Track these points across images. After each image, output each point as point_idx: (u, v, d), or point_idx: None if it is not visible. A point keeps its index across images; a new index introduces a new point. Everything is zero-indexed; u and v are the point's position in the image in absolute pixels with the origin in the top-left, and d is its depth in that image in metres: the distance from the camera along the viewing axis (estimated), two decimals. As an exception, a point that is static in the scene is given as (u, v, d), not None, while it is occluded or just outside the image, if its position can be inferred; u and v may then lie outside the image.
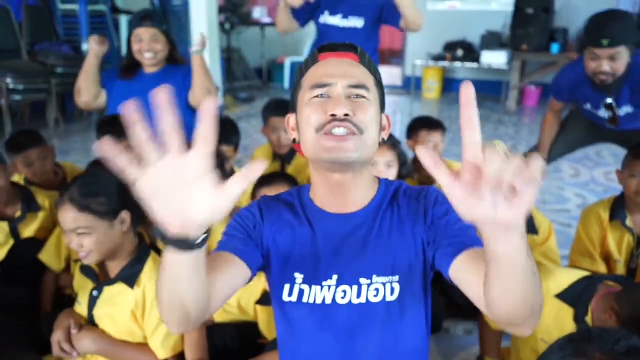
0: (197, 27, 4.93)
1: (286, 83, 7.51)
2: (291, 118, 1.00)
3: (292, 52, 7.65)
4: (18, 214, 1.91)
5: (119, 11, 5.71)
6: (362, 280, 0.95)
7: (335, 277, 0.96)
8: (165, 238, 0.67)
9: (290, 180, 1.75)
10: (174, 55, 2.50)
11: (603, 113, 2.25)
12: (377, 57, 2.83)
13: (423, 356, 1.02)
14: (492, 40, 6.19)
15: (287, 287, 0.98)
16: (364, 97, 0.92)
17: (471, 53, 6.34)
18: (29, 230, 1.94)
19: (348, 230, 0.97)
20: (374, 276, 0.95)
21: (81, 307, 1.47)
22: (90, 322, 1.45)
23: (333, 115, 0.89)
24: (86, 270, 1.46)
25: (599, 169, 3.94)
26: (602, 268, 1.94)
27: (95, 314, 1.43)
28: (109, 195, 1.35)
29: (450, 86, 7.22)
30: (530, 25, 5.80)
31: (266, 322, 1.54)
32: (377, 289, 0.95)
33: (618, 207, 1.94)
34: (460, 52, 6.23)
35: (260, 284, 1.51)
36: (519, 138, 4.94)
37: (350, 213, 0.97)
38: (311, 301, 0.97)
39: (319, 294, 0.97)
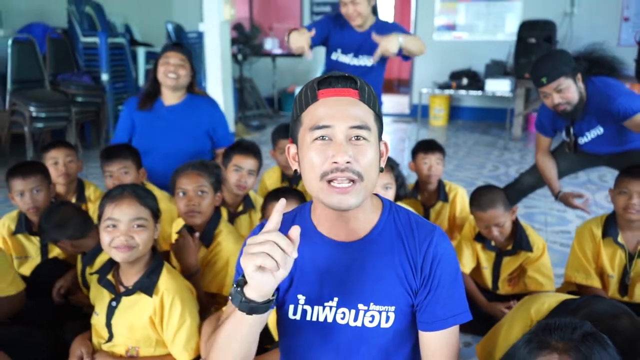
0: (211, 58, 5.15)
1: (296, 111, 7.71)
2: (291, 148, 1.06)
3: (302, 81, 7.87)
4: None
5: (137, 43, 5.97)
6: (360, 306, 1.04)
7: (336, 299, 1.05)
8: (244, 304, 0.90)
9: (299, 196, 1.86)
10: (193, 85, 2.67)
11: (566, 138, 2.44)
12: (381, 87, 2.97)
13: None
14: (496, 69, 6.35)
15: (291, 307, 1.08)
16: (364, 138, 0.97)
17: (476, 81, 6.49)
18: (56, 250, 2.06)
19: (350, 258, 1.04)
20: (371, 304, 1.04)
21: (99, 318, 1.57)
22: (107, 331, 1.55)
23: (335, 162, 0.94)
24: (104, 282, 1.56)
25: (600, 192, 4.02)
26: (596, 283, 2.02)
27: (113, 322, 1.53)
28: (154, 199, 1.50)
29: (456, 114, 7.37)
30: (533, 54, 5.94)
31: (274, 322, 1.63)
32: (372, 316, 1.04)
33: (610, 224, 2.03)
34: (465, 81, 6.38)
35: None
36: (523, 163, 5.03)
37: (352, 242, 1.04)
38: (314, 319, 1.06)
39: (321, 313, 1.06)
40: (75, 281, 1.96)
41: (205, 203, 1.85)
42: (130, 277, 1.54)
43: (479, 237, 2.19)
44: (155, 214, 1.54)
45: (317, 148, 0.96)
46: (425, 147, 2.59)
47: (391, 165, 2.08)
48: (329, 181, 0.95)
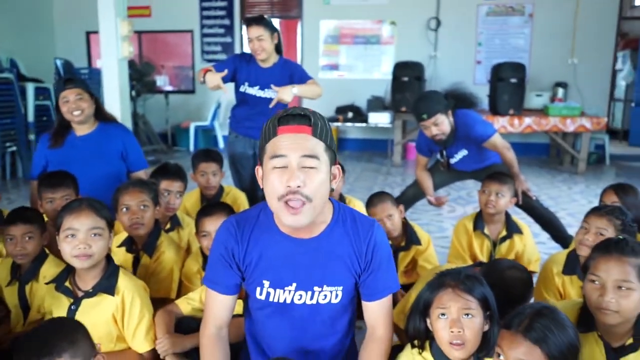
0: (109, 95, 5.19)
1: (191, 146, 7.84)
2: (259, 170, 1.32)
3: (196, 117, 8.07)
4: None
5: (25, 79, 5.81)
6: (315, 288, 1.37)
7: (294, 284, 1.36)
8: None
9: (228, 209, 2.12)
10: (102, 112, 2.77)
11: (440, 159, 3.06)
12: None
13: (349, 339, 1.48)
14: (376, 104, 7.11)
15: (258, 289, 1.38)
16: (312, 167, 1.21)
17: (359, 115, 7.20)
18: None
19: (305, 252, 1.35)
20: (324, 286, 1.37)
21: None
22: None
23: (289, 186, 1.20)
24: (63, 289, 1.70)
25: (470, 205, 4.75)
26: (471, 266, 2.54)
27: None
28: (108, 211, 1.69)
29: (343, 145, 8.00)
30: (407, 91, 6.79)
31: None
32: (325, 295, 1.38)
33: (478, 220, 2.57)
34: (350, 114, 7.05)
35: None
36: (404, 184, 5.69)
37: (309, 238, 1.35)
38: (275, 300, 1.37)
39: (281, 296, 1.37)
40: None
41: (147, 216, 2.06)
42: (87, 281, 1.70)
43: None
44: (110, 223, 1.73)
45: (276, 175, 1.22)
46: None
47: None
48: (285, 202, 1.23)
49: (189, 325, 1.77)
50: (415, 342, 1.46)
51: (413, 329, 1.45)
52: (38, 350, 1.14)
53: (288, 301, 1.37)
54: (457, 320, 1.34)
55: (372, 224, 1.40)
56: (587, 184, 5.91)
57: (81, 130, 2.72)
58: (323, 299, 1.37)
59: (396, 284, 1.44)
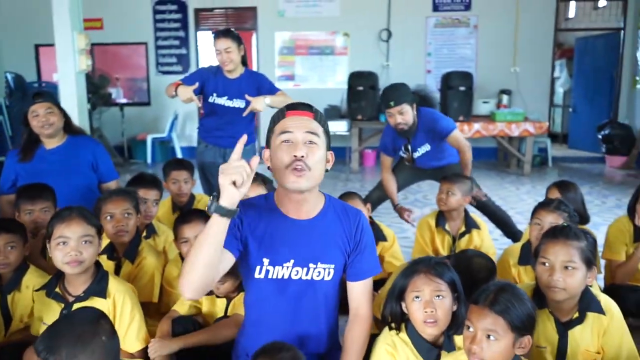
0: (67, 108, 5.13)
1: (149, 158, 7.79)
2: (266, 152, 1.51)
3: (152, 129, 8.02)
4: None
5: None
6: (311, 265, 1.51)
7: (292, 261, 1.50)
8: (218, 208, 1.25)
9: (206, 215, 2.22)
10: (71, 125, 2.82)
11: (404, 154, 3.27)
12: (253, 125, 3.48)
13: (336, 312, 1.63)
14: (333, 113, 7.31)
15: (258, 267, 1.51)
16: (314, 143, 1.43)
17: (317, 124, 7.38)
18: None
19: (302, 231, 1.51)
20: (319, 263, 1.52)
21: None
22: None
23: (295, 155, 1.40)
24: (53, 295, 1.76)
25: (427, 207, 5.00)
26: (434, 261, 2.74)
27: None
28: (96, 219, 1.76)
29: (301, 153, 8.15)
30: (362, 100, 7.03)
31: (207, 307, 1.98)
32: (319, 272, 1.52)
33: (440, 217, 2.78)
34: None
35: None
36: (363, 190, 5.89)
37: (306, 219, 1.51)
38: (274, 277, 1.51)
39: (279, 272, 1.51)
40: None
41: (131, 223, 2.13)
42: (77, 286, 1.77)
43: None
44: (99, 231, 1.80)
45: (284, 147, 1.43)
46: None
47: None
48: (289, 168, 1.41)
49: (184, 327, 1.85)
50: (392, 324, 1.61)
51: (390, 312, 1.61)
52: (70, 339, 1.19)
53: (286, 277, 1.50)
54: (430, 302, 1.51)
55: (359, 212, 1.60)
56: (532, 184, 6.31)
57: (51, 143, 2.75)
58: (317, 276, 1.51)
59: (378, 267, 1.59)
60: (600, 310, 1.66)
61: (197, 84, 3.04)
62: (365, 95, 7.03)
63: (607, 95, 8.11)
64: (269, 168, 1.51)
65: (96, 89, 6.89)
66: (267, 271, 1.50)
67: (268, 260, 1.50)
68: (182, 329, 1.85)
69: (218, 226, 1.30)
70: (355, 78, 7.12)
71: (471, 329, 1.37)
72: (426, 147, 3.24)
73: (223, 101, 3.22)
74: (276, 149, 1.45)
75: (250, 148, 3.41)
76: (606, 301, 1.70)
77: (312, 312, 1.55)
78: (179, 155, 8.08)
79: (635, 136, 7.36)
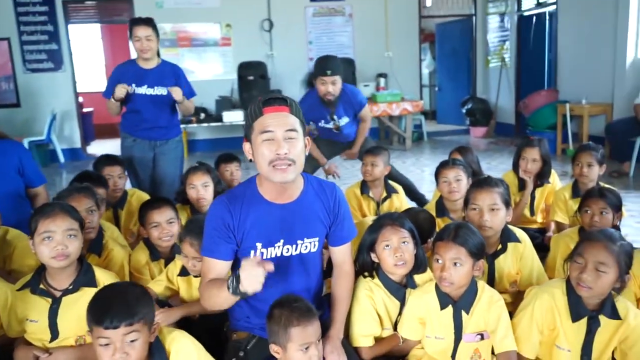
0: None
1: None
2: (246, 145, 1.62)
3: (28, 132, 7.40)
4: None
5: None
6: (298, 242, 1.70)
7: (282, 241, 1.68)
8: (238, 292, 1.45)
9: (169, 202, 2.34)
10: None
11: (329, 125, 3.61)
12: (177, 115, 3.55)
13: (321, 276, 1.85)
14: (225, 103, 7.38)
15: (252, 251, 1.66)
16: (294, 138, 1.55)
17: (208, 115, 7.41)
18: None
19: (288, 213, 1.67)
20: (305, 238, 1.71)
21: (38, 324, 1.77)
22: (50, 331, 1.77)
23: (278, 154, 1.53)
24: (39, 291, 1.77)
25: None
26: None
27: (59, 320, 1.76)
28: (78, 213, 1.80)
29: (194, 146, 8.10)
30: (253, 89, 7.21)
31: (185, 289, 2.10)
32: (306, 246, 1.72)
33: (364, 186, 3.13)
34: (202, 115, 7.21)
35: (179, 263, 2.10)
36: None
37: (288, 203, 1.67)
38: (268, 257, 1.68)
39: (272, 252, 1.69)
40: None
41: (95, 220, 2.17)
42: (62, 280, 1.78)
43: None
44: (82, 225, 1.84)
45: (266, 145, 1.55)
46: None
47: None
48: (274, 166, 1.56)
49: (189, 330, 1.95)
50: (366, 273, 1.91)
51: (362, 262, 1.90)
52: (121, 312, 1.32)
53: (278, 255, 1.69)
54: (398, 247, 1.83)
55: (334, 185, 1.81)
56: (415, 157, 7.02)
57: None
58: (305, 250, 1.72)
59: (354, 231, 1.86)
60: (517, 239, 2.11)
61: (125, 85, 3.13)
62: (256, 84, 7.22)
63: (466, 74, 9.20)
64: (250, 160, 1.64)
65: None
66: (262, 253, 1.67)
67: (261, 243, 1.67)
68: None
69: (230, 299, 1.52)
70: (245, 68, 7.27)
71: (440, 261, 1.71)
72: (346, 119, 3.61)
73: (144, 90, 3.24)
74: (258, 146, 1.56)
75: (180, 139, 3.47)
76: (520, 232, 2.16)
77: (302, 279, 1.76)
78: (61, 158, 7.61)
79: (492, 109, 8.48)
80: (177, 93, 3.18)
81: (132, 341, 1.35)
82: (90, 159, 7.87)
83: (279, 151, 1.54)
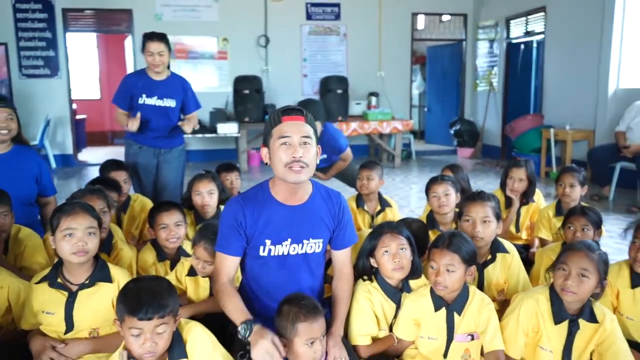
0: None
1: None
2: (264, 150, 1.79)
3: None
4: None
5: None
6: (305, 241, 1.85)
7: (289, 239, 1.83)
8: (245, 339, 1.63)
9: (178, 206, 2.46)
10: (20, 134, 2.80)
11: None
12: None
13: (322, 276, 1.99)
14: (219, 116, 7.51)
15: (261, 247, 1.81)
16: (308, 144, 1.72)
17: (203, 127, 7.52)
18: None
19: (296, 214, 1.83)
20: (311, 239, 1.86)
21: (54, 316, 1.85)
22: (65, 324, 1.86)
23: (294, 157, 1.70)
24: (57, 285, 1.87)
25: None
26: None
27: (74, 313, 1.85)
28: (96, 212, 1.90)
29: (187, 156, 8.16)
30: (248, 102, 7.37)
31: (192, 289, 2.20)
32: (311, 246, 1.87)
33: (359, 199, 3.27)
34: (197, 126, 7.32)
35: (187, 263, 2.21)
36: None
37: (297, 205, 1.83)
38: (275, 254, 1.83)
39: (280, 249, 1.83)
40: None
41: (107, 220, 2.27)
42: (79, 275, 1.88)
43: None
44: (100, 223, 1.94)
45: (283, 149, 1.72)
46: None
47: None
48: (290, 167, 1.72)
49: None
50: (365, 277, 2.04)
51: (362, 267, 2.03)
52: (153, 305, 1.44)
53: (285, 253, 1.83)
54: (396, 254, 1.96)
55: (339, 194, 1.96)
56: (404, 175, 7.21)
57: None
58: (310, 249, 1.86)
59: (355, 237, 2.00)
60: (506, 250, 2.26)
61: (139, 114, 3.28)
62: (251, 98, 7.38)
63: (454, 97, 9.47)
64: (266, 164, 1.80)
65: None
66: (270, 250, 1.82)
67: (270, 241, 1.82)
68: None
69: (235, 320, 1.72)
70: (240, 82, 7.43)
71: (434, 267, 1.85)
72: (323, 156, 3.79)
73: (153, 101, 3.37)
74: (276, 150, 1.73)
75: (182, 148, 3.60)
76: (508, 244, 2.31)
77: (306, 277, 1.90)
78: (53, 163, 7.65)
79: (479, 131, 8.73)
80: (187, 127, 3.36)
81: (161, 332, 1.47)
82: (82, 166, 7.97)
83: (295, 154, 1.70)
